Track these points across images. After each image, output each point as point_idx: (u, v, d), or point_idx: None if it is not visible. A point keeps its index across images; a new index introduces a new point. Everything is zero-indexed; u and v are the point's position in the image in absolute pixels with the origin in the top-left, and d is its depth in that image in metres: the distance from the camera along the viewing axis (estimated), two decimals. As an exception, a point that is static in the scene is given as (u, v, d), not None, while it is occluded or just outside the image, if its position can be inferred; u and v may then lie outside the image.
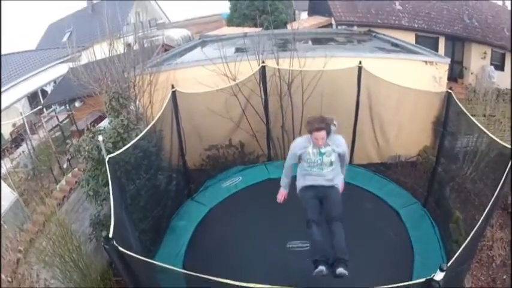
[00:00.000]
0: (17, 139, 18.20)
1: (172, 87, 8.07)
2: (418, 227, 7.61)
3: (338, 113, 9.00)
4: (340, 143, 5.69)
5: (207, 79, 9.19)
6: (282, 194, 6.27)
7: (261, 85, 8.98)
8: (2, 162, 14.45)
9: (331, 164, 5.63)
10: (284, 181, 6.26)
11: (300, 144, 5.72)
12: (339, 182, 5.88)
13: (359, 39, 15.40)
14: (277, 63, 9.31)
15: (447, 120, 7.78)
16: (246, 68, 9.24)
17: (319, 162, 5.61)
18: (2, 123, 17.42)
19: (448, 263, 3.93)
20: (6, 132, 18.82)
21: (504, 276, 7.66)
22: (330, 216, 5.64)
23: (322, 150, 5.55)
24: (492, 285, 7.65)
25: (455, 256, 4.19)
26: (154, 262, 4.71)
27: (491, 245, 8.20)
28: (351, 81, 8.79)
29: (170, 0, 32.08)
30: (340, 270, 5.24)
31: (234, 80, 9.32)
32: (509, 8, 19.72)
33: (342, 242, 5.48)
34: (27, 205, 9.75)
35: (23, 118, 17.52)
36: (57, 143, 15.47)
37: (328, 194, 5.72)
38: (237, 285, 3.82)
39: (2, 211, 8.49)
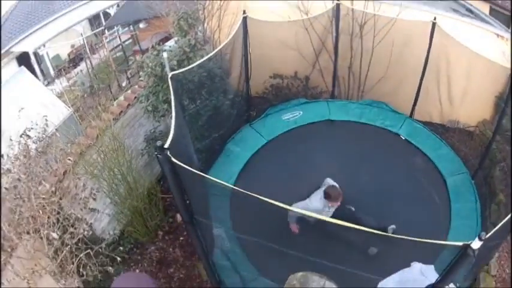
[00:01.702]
0: (76, 59, 18.51)
1: (244, 12, 7.95)
2: (461, 199, 7.46)
3: (406, 65, 8.86)
4: None
5: (279, 10, 9.04)
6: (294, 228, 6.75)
7: (334, 23, 8.78)
8: (58, 81, 14.75)
9: None
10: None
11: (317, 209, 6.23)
12: None
13: (435, -4, 14.79)
14: (352, 3, 9.04)
15: (509, 98, 7.45)
16: (320, 4, 9.02)
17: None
18: (60, 44, 17.67)
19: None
20: (64, 53, 19.18)
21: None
22: None
23: (330, 211, 6.34)
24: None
25: (494, 230, 4.08)
26: (207, 176, 4.55)
27: None
28: (423, 36, 8.44)
29: None
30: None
31: (307, 13, 9.15)
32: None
33: None
34: (82, 121, 9.91)
35: (83, 39, 17.72)
36: (118, 62, 15.62)
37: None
38: (285, 208, 3.96)
39: (56, 124, 8.46)
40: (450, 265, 3.92)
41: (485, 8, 16.77)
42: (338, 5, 8.55)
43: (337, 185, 6.63)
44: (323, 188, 6.57)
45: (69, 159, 6.91)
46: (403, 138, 8.65)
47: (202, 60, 6.84)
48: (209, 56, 7.00)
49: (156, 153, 4.18)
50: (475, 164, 8.27)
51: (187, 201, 4.92)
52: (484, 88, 8.71)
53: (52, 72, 17.78)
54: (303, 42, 8.96)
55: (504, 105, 7.64)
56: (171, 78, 6.00)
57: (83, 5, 20.02)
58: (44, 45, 17.30)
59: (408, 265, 5.08)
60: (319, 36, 9.01)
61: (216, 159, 7.87)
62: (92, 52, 17.46)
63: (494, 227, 5.40)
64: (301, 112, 8.98)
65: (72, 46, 19.40)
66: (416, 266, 5.03)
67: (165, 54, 6.76)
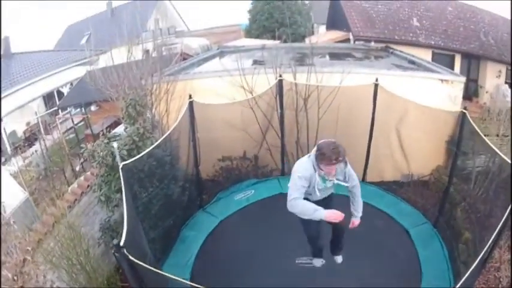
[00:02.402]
0: (31, 138, 18.36)
1: (190, 97, 8.10)
2: (427, 247, 7.58)
3: (353, 129, 9.08)
4: (352, 176, 5.28)
5: (224, 90, 9.27)
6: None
7: (278, 99, 8.99)
8: (14, 159, 14.61)
9: (331, 188, 5.35)
10: (298, 200, 5.12)
11: (306, 173, 5.04)
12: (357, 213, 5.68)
13: (376, 56, 15.42)
14: (295, 78, 9.32)
15: (461, 140, 7.76)
16: (263, 81, 9.25)
17: (322, 189, 5.21)
18: (16, 121, 17.63)
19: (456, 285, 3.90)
20: (20, 130, 19.02)
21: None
22: (333, 225, 5.67)
23: (329, 185, 5.17)
24: (498, 307, 7.57)
25: (461, 281, 4.16)
26: (165, 274, 4.83)
27: (498, 267, 8.07)
28: (367, 98, 8.79)
29: (189, 8, 32.38)
30: (339, 258, 6.36)
31: (251, 92, 9.37)
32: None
33: (340, 242, 6.22)
34: (37, 205, 9.79)
35: (37, 118, 17.67)
36: (71, 145, 15.58)
37: (328, 202, 5.44)
38: None
39: (11, 209, 8.48)
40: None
41: (427, 55, 17.54)
42: (281, 81, 8.78)
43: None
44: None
45: (28, 249, 6.82)
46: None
47: (150, 148, 6.87)
48: (157, 143, 7.04)
49: (113, 252, 4.30)
50: (434, 211, 8.44)
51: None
52: (433, 136, 8.96)
53: (9, 149, 17.51)
54: (249, 121, 9.14)
55: (456, 148, 7.86)
56: (121, 168, 6.04)
57: (38, 81, 20.13)
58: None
59: None
60: (265, 114, 9.21)
61: (173, 247, 7.78)
62: (46, 132, 17.34)
63: (465, 265, 5.51)
64: (253, 191, 9.12)
65: (28, 124, 19.27)
66: None
67: (115, 144, 6.78)
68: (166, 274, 4.78)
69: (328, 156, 4.73)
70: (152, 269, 4.56)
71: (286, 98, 9.01)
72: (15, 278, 6.12)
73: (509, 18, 18.12)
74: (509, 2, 17.44)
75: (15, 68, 21.17)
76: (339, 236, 6.04)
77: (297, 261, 6.96)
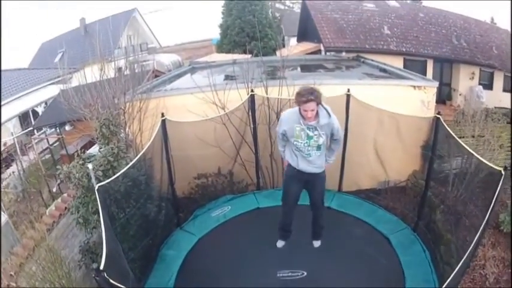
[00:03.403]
0: (7, 159, 18.12)
1: (162, 115, 8.12)
2: (408, 252, 7.66)
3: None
4: (332, 117, 5.43)
5: (197, 107, 9.27)
6: (285, 164, 6.20)
7: (250, 114, 9.06)
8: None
9: (318, 148, 5.52)
10: (281, 150, 6.14)
11: (288, 117, 5.50)
12: (323, 163, 5.89)
13: (347, 65, 15.63)
14: (266, 92, 9.44)
15: (436, 144, 7.90)
16: (235, 96, 9.34)
17: (306, 147, 5.47)
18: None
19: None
20: (-5, 151, 18.77)
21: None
22: (313, 203, 6.32)
23: (310, 134, 5.36)
24: (486, 304, 7.72)
25: (446, 282, 4.26)
26: None
27: (483, 264, 8.26)
28: (340, 109, 8.81)
29: (161, 23, 32.35)
30: (317, 242, 6.85)
31: (223, 108, 9.42)
32: (498, 26, 20.05)
33: (320, 227, 6.73)
34: (16, 227, 9.71)
35: (13, 138, 17.47)
36: (47, 165, 15.46)
37: (314, 182, 5.97)
38: None
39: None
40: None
41: (399, 62, 17.79)
42: (252, 96, 8.86)
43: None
44: None
45: (11, 274, 6.82)
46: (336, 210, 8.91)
47: (125, 169, 6.86)
48: (131, 164, 7.03)
49: (93, 276, 4.32)
50: (413, 216, 8.55)
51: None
52: (408, 142, 9.07)
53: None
54: (223, 137, 9.16)
55: (431, 153, 7.98)
56: (97, 190, 6.02)
57: (13, 101, 19.95)
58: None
59: None
60: (238, 129, 9.24)
61: (153, 266, 7.77)
62: (22, 153, 17.15)
63: (449, 266, 5.60)
64: (230, 207, 9.13)
65: (4, 144, 19.03)
66: None
67: (90, 166, 6.74)
68: None
69: (301, 94, 5.12)
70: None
71: (259, 113, 9.06)
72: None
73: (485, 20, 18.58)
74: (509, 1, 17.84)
75: (-10, 87, 20.92)
76: (317, 217, 6.57)
77: (278, 275, 7.04)
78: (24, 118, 20.92)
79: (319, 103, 5.17)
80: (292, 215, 6.49)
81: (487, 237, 8.48)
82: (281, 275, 7.12)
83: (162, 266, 7.77)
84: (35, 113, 21.39)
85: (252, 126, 9.13)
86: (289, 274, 7.11)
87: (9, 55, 26.60)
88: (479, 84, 18.67)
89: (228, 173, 9.73)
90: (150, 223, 7.76)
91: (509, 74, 17.93)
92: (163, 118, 8.09)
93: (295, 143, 5.50)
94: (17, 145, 17.25)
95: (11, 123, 19.62)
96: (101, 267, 4.34)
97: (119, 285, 4.37)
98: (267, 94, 9.35)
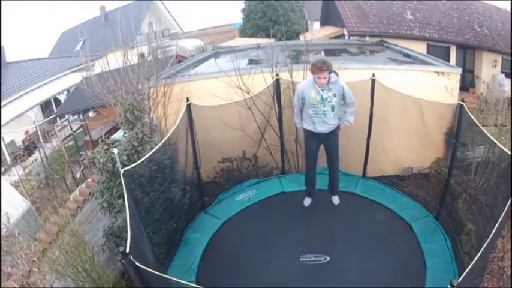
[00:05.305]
0: (30, 147, 18.37)
1: (187, 100, 8.10)
2: (430, 240, 7.56)
3: (351, 125, 9.04)
4: (341, 84, 6.48)
5: (221, 91, 9.26)
6: (300, 132, 7.38)
7: (275, 98, 8.99)
8: (14, 169, 14.65)
9: (333, 108, 6.45)
10: (297, 122, 7.15)
11: (303, 86, 6.47)
12: (336, 123, 6.87)
13: (371, 50, 15.43)
14: (291, 76, 9.36)
15: (459, 131, 7.75)
16: (260, 81, 9.29)
17: (322, 107, 6.41)
18: (14, 130, 17.63)
19: (459, 278, 3.94)
20: (19, 139, 19.03)
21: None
22: (329, 157, 7.24)
23: (324, 96, 6.32)
24: (502, 297, 7.59)
25: (465, 272, 4.22)
26: (171, 278, 4.82)
27: (502, 256, 8.08)
28: (364, 94, 8.73)
29: (182, 9, 32.29)
30: (335, 198, 7.70)
31: (248, 92, 9.38)
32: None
33: (336, 181, 7.54)
34: (39, 214, 9.79)
35: (36, 126, 17.67)
36: (70, 152, 15.61)
37: (329, 139, 6.94)
38: None
39: (14, 219, 8.50)
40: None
41: (422, 47, 17.57)
42: (278, 80, 8.79)
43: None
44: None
45: (34, 260, 6.85)
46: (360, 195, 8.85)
47: (150, 153, 6.86)
48: (156, 148, 7.03)
49: (119, 259, 4.37)
50: (436, 204, 8.43)
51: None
52: (432, 129, 8.91)
53: (8, 159, 17.52)
54: (248, 121, 9.12)
55: (455, 140, 7.82)
56: (123, 174, 6.04)
57: (34, 90, 20.14)
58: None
59: None
60: (263, 113, 9.18)
61: (177, 250, 7.78)
62: (45, 140, 17.34)
63: (469, 256, 5.53)
64: (254, 191, 9.08)
65: (26, 133, 19.28)
66: None
67: (115, 150, 6.76)
68: (172, 278, 4.78)
69: (315, 64, 6.28)
70: (158, 273, 4.61)
71: (284, 97, 8.99)
72: (22, 289, 6.11)
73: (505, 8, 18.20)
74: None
75: (11, 78, 21.21)
76: (333, 170, 7.45)
77: (301, 259, 7.01)
78: (46, 106, 21.13)
79: (330, 72, 6.22)
80: (315, 169, 7.44)
81: (506, 229, 8.31)
82: (304, 259, 7.09)
83: (186, 250, 7.78)
84: (57, 101, 21.58)
85: (277, 110, 9.07)
86: (312, 259, 7.06)
87: (30, 44, 26.89)
88: (502, 72, 18.34)
89: (252, 157, 9.69)
90: (174, 207, 7.75)
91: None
92: (188, 103, 8.07)
93: (311, 106, 6.46)
94: (39, 133, 17.45)
95: (32, 111, 19.82)
96: (127, 250, 4.37)
97: (144, 267, 4.40)
98: (291, 78, 9.27)
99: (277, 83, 8.81)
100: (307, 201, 7.67)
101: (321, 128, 6.69)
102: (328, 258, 7.08)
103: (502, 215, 5.05)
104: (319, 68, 6.11)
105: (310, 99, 6.39)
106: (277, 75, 8.90)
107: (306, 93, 6.40)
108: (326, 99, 6.33)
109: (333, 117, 6.63)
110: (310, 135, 6.96)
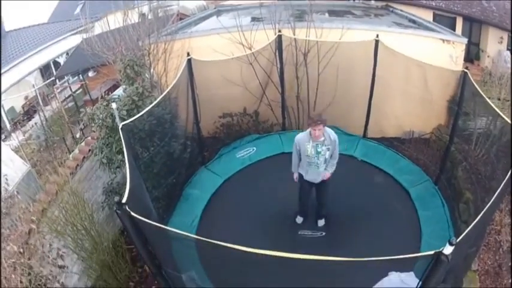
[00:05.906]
0: (29, 111, 18.26)
1: (188, 54, 7.98)
2: (427, 206, 7.60)
3: (354, 85, 9.00)
4: (334, 137, 6.74)
5: (223, 48, 9.11)
6: (295, 177, 7.28)
7: (277, 54, 8.86)
8: (14, 135, 14.58)
9: (325, 161, 6.79)
10: (294, 168, 7.22)
11: (300, 139, 6.77)
12: (329, 170, 7.03)
13: (376, 14, 15.15)
14: (294, 33, 9.20)
15: (462, 100, 7.67)
16: (262, 37, 9.14)
17: (316, 160, 6.72)
18: (13, 96, 17.49)
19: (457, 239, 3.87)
20: (18, 105, 18.90)
21: (510, 263, 7.56)
22: (318, 199, 7.41)
23: (319, 149, 6.66)
24: (498, 271, 7.56)
25: (465, 232, 4.13)
26: (167, 228, 4.66)
27: (499, 230, 8.07)
28: (368, 55, 8.63)
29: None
30: (321, 221, 7.55)
31: (250, 48, 9.24)
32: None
33: (324, 210, 7.52)
34: (40, 176, 9.74)
35: (35, 90, 17.52)
36: (71, 113, 15.50)
37: (321, 188, 7.19)
38: (248, 252, 3.80)
39: (14, 182, 8.44)
40: (426, 273, 4.05)
41: (428, 15, 17.29)
42: (280, 36, 8.66)
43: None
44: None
45: (33, 219, 6.82)
46: (359, 160, 8.86)
47: (149, 107, 6.78)
48: (156, 101, 6.95)
49: (115, 209, 4.28)
50: (435, 169, 8.44)
51: (153, 253, 4.98)
52: (435, 94, 8.82)
53: (8, 125, 17.44)
54: (249, 77, 9.03)
55: (458, 107, 7.78)
56: (121, 129, 5.99)
57: (33, 55, 19.89)
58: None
59: (386, 275, 5.10)
60: (264, 69, 9.09)
61: (176, 205, 7.78)
62: (45, 104, 17.23)
63: (467, 225, 5.51)
64: (255, 148, 9.06)
65: (26, 98, 19.12)
66: (394, 275, 5.03)
67: (114, 105, 6.69)
68: (170, 229, 4.56)
69: (312, 117, 6.73)
70: (154, 223, 4.46)
71: (286, 54, 8.88)
72: (21, 250, 6.11)
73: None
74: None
75: (10, 45, 20.88)
76: (321, 207, 7.54)
77: (299, 233, 7.37)
78: (45, 70, 20.87)
79: (324, 125, 6.54)
80: (308, 206, 7.57)
81: (504, 203, 8.27)
82: (302, 233, 7.36)
83: (185, 205, 7.79)
84: (56, 64, 21.32)
85: (278, 66, 8.97)
86: (310, 234, 7.35)
87: (28, 11, 26.46)
88: (508, 49, 18.09)
89: (253, 113, 9.66)
90: (174, 161, 7.71)
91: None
92: (188, 57, 7.96)
93: (306, 158, 6.77)
94: (39, 96, 17.31)
95: (32, 76, 19.60)
96: (123, 201, 4.30)
97: (139, 217, 4.29)
98: (294, 35, 9.11)
99: (279, 39, 8.68)
100: (299, 220, 7.71)
101: (311, 177, 7.00)
102: (324, 234, 7.30)
103: (501, 186, 4.97)
104: (315, 122, 6.48)
105: (305, 152, 6.75)
106: (279, 31, 8.75)
107: (302, 146, 6.77)
108: (320, 152, 6.69)
109: (325, 169, 6.96)
110: (304, 180, 7.22)
